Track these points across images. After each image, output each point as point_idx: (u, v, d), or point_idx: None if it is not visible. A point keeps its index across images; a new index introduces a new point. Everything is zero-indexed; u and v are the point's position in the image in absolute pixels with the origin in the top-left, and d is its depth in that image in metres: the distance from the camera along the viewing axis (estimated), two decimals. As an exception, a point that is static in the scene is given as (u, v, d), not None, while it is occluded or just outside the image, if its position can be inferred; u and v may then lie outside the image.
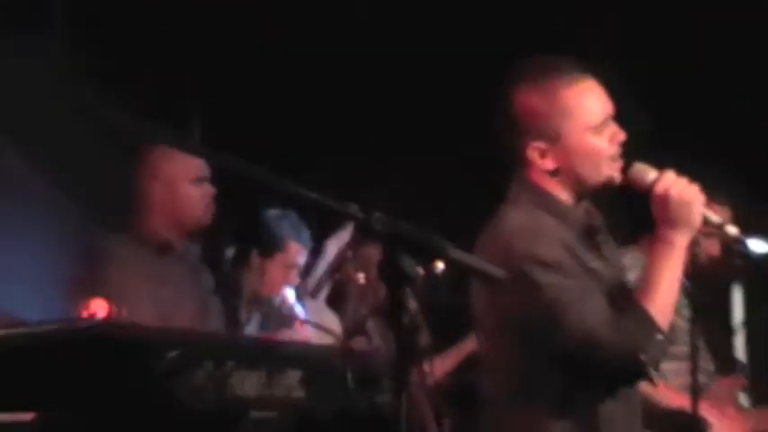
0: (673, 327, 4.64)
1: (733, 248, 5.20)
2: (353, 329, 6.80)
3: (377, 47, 9.66)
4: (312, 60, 9.66)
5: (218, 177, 6.27)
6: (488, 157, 4.98)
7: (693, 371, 5.24)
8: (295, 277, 7.36)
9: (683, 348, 5.29)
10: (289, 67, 9.62)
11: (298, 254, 7.25)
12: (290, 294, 7.10)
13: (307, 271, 7.54)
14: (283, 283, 7.15)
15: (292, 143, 9.18)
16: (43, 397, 2.70)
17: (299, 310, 7.01)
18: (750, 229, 5.08)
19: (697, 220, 4.49)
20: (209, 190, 6.22)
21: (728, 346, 7.60)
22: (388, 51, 9.69)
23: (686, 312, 5.23)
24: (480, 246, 4.51)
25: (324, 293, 7.51)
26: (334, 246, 7.24)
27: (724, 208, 5.82)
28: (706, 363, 6.32)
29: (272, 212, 7.19)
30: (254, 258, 7.17)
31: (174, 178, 6.27)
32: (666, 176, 4.50)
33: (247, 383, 2.72)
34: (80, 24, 7.76)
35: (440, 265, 4.88)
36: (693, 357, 5.24)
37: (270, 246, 7.19)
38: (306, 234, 7.28)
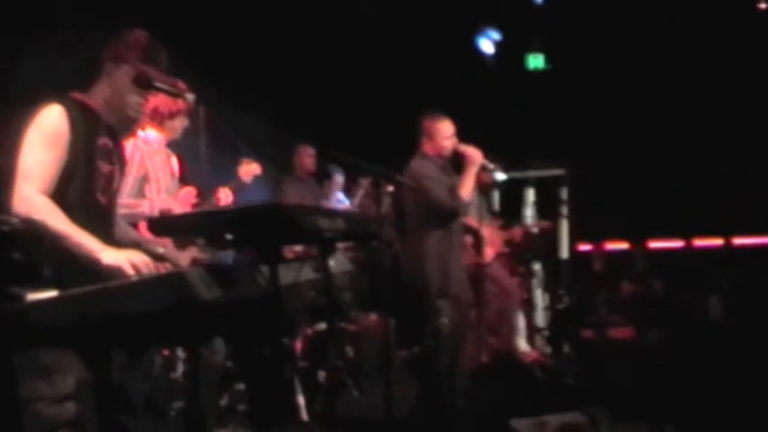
0: (469, 202, 5.26)
1: (491, 176, 5.95)
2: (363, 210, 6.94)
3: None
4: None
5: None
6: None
7: (480, 219, 5.92)
8: (339, 187, 7.57)
9: (474, 211, 5.79)
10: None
11: (338, 178, 7.49)
12: (341, 196, 7.45)
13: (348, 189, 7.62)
14: (336, 189, 7.52)
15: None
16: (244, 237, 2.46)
17: (345, 202, 7.33)
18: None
19: (478, 164, 5.16)
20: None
21: (493, 207, 7.89)
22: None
23: (475, 197, 5.55)
24: (407, 171, 5.12)
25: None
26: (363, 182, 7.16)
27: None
28: (482, 213, 6.24)
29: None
30: (325, 181, 7.51)
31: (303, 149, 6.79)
32: (468, 147, 5.17)
33: (331, 224, 2.60)
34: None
35: (390, 188, 5.33)
36: (480, 215, 5.87)
37: (329, 176, 7.50)
38: (340, 170, 7.46)
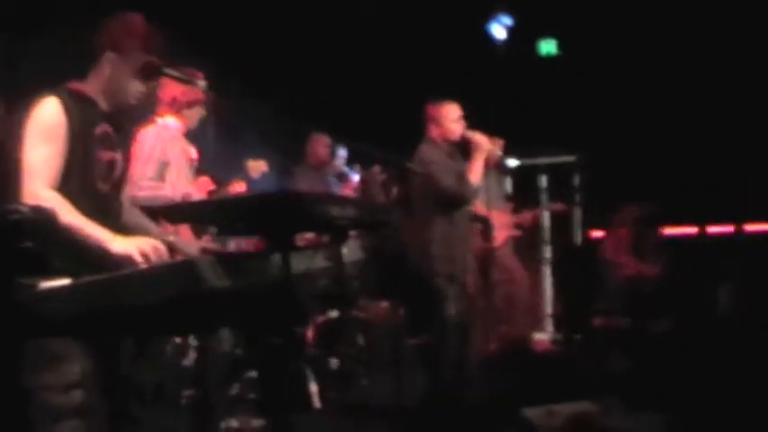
0: (478, 187, 5.28)
1: (499, 161, 5.94)
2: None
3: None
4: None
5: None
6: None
7: (489, 204, 5.92)
8: (342, 161, 7.50)
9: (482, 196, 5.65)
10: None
11: (341, 152, 7.41)
12: (346, 170, 7.39)
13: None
14: (340, 164, 7.46)
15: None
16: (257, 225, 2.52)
17: (352, 175, 7.26)
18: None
19: (486, 149, 5.19)
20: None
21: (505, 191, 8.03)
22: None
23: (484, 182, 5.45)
24: (414, 158, 5.16)
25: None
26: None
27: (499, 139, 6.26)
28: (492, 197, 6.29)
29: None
30: None
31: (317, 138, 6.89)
32: (475, 134, 5.21)
33: (342, 211, 2.52)
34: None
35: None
36: (488, 199, 5.86)
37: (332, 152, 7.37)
38: (342, 145, 7.38)
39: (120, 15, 2.97)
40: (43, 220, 2.40)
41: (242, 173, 5.57)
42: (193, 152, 4.74)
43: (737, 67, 8.50)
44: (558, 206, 8.26)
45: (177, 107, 4.55)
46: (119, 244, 2.72)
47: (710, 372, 5.59)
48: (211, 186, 4.90)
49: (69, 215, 2.73)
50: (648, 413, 4.75)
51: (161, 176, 4.43)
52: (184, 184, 4.49)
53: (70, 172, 2.84)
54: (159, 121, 4.54)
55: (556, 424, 4.59)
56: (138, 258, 2.67)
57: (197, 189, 4.67)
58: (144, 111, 4.46)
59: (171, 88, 4.47)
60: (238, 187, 5.24)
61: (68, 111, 2.83)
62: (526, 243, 7.73)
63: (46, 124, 2.81)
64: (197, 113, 4.65)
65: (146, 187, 4.32)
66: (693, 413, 4.80)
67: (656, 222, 8.73)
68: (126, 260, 2.65)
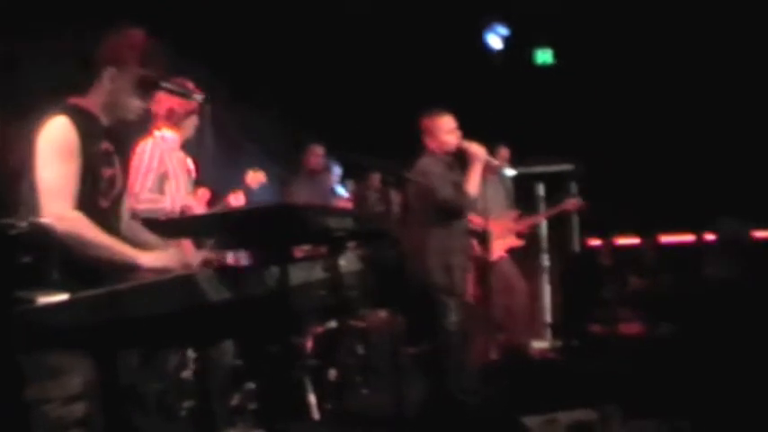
0: (476, 198, 5.26)
1: (498, 171, 5.93)
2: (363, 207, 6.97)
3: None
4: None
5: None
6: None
7: (486, 213, 5.82)
8: (337, 179, 7.56)
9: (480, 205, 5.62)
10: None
11: (336, 170, 7.49)
12: (338, 188, 7.41)
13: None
14: (334, 182, 7.49)
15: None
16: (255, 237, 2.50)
17: (343, 194, 7.30)
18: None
19: (483, 160, 5.17)
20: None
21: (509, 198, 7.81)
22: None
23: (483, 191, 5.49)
24: (413, 170, 5.16)
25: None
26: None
27: (504, 148, 6.48)
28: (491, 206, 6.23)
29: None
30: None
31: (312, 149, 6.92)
32: (471, 144, 5.20)
33: (340, 223, 2.60)
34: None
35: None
36: (485, 209, 5.73)
37: (327, 169, 7.47)
38: (337, 163, 7.43)
39: (120, 30, 2.96)
40: (41, 236, 2.41)
41: (241, 183, 5.57)
42: (191, 163, 4.74)
43: (734, 76, 8.47)
44: (575, 202, 7.94)
45: (174, 119, 4.54)
46: (148, 258, 2.78)
47: (712, 379, 5.54)
48: (209, 199, 4.88)
49: (96, 234, 2.76)
50: (648, 421, 4.72)
51: (160, 189, 4.42)
52: (184, 196, 4.49)
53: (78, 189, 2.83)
54: (157, 134, 4.53)
55: (556, 432, 4.56)
56: (179, 266, 2.74)
57: (196, 201, 4.67)
58: (142, 125, 4.43)
59: (166, 101, 4.43)
60: (236, 198, 5.22)
61: (78, 129, 2.82)
62: (524, 251, 7.70)
63: (61, 144, 2.79)
64: (192, 123, 4.62)
65: (145, 200, 4.32)
66: (694, 421, 4.73)
67: (653, 230, 8.71)
68: (155, 273, 2.69)
